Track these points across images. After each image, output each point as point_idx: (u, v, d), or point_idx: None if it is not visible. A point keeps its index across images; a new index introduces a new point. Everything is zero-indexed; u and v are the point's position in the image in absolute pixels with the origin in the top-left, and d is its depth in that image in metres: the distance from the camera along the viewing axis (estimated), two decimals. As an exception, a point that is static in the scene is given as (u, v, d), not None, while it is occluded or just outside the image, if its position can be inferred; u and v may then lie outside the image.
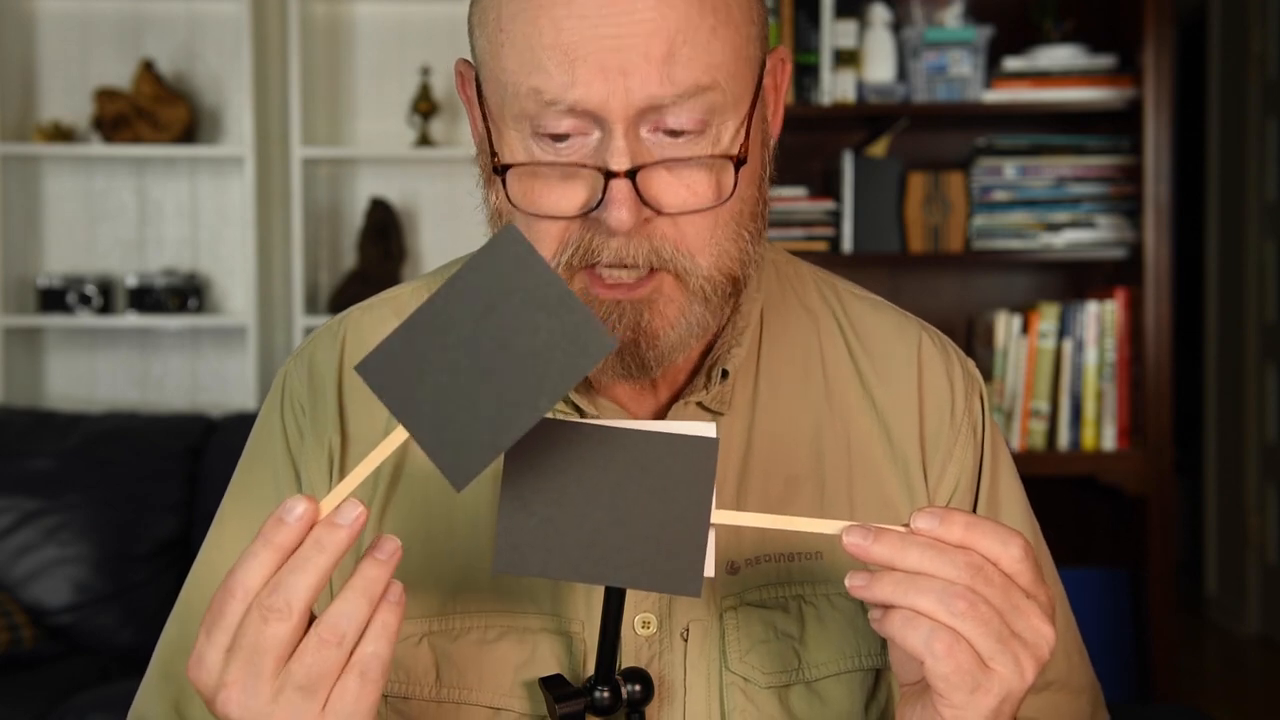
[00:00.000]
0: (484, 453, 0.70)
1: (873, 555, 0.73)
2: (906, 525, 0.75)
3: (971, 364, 1.04)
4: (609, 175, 0.81)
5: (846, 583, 0.74)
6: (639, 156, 0.82)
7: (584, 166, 0.82)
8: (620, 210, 0.81)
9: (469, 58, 0.91)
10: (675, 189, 0.83)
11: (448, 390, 0.70)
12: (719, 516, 0.74)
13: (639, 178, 0.81)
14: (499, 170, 0.85)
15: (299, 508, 0.71)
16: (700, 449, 0.74)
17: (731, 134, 0.84)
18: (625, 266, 0.84)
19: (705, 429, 0.75)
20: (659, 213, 0.83)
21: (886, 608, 0.74)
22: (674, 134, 0.82)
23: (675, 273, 0.85)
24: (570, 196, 0.84)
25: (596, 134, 0.82)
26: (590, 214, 0.83)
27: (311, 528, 0.71)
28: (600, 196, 0.82)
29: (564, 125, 0.82)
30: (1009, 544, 0.74)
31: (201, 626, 0.72)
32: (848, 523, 0.75)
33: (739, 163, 0.84)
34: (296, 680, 0.70)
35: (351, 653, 0.71)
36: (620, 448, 0.73)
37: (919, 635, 0.72)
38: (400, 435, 0.72)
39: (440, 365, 0.70)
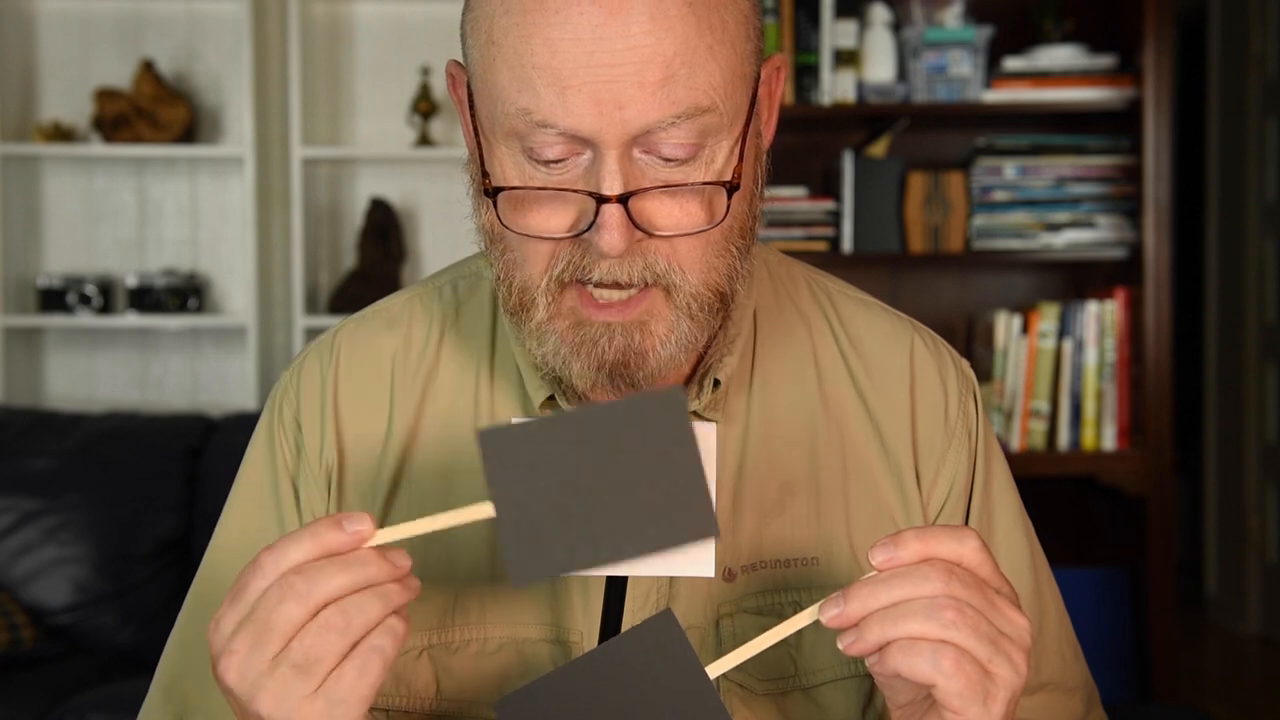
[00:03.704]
0: (553, 566, 0.71)
1: (852, 612, 0.74)
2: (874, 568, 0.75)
3: (966, 365, 1.03)
4: (600, 199, 0.80)
5: (839, 646, 0.75)
6: (631, 180, 0.81)
7: (575, 191, 0.81)
8: (612, 234, 0.80)
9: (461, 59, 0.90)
10: (668, 211, 0.83)
11: (555, 496, 0.72)
12: (712, 669, 0.74)
13: (631, 202, 0.80)
14: (489, 193, 0.84)
15: (360, 524, 0.73)
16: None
17: (725, 155, 0.83)
18: (619, 286, 0.83)
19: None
20: (651, 235, 0.82)
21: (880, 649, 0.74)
22: (668, 159, 0.82)
23: (666, 288, 0.84)
24: (561, 216, 0.83)
25: (588, 154, 0.81)
26: (581, 235, 0.82)
27: (359, 545, 0.73)
28: (592, 219, 0.81)
29: (555, 151, 0.81)
30: (965, 540, 0.75)
31: (229, 593, 0.74)
32: (817, 606, 0.75)
33: (732, 189, 0.83)
34: (293, 658, 0.71)
35: (355, 645, 0.72)
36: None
37: (923, 660, 0.72)
38: (487, 511, 0.73)
39: (558, 509, 0.72)
